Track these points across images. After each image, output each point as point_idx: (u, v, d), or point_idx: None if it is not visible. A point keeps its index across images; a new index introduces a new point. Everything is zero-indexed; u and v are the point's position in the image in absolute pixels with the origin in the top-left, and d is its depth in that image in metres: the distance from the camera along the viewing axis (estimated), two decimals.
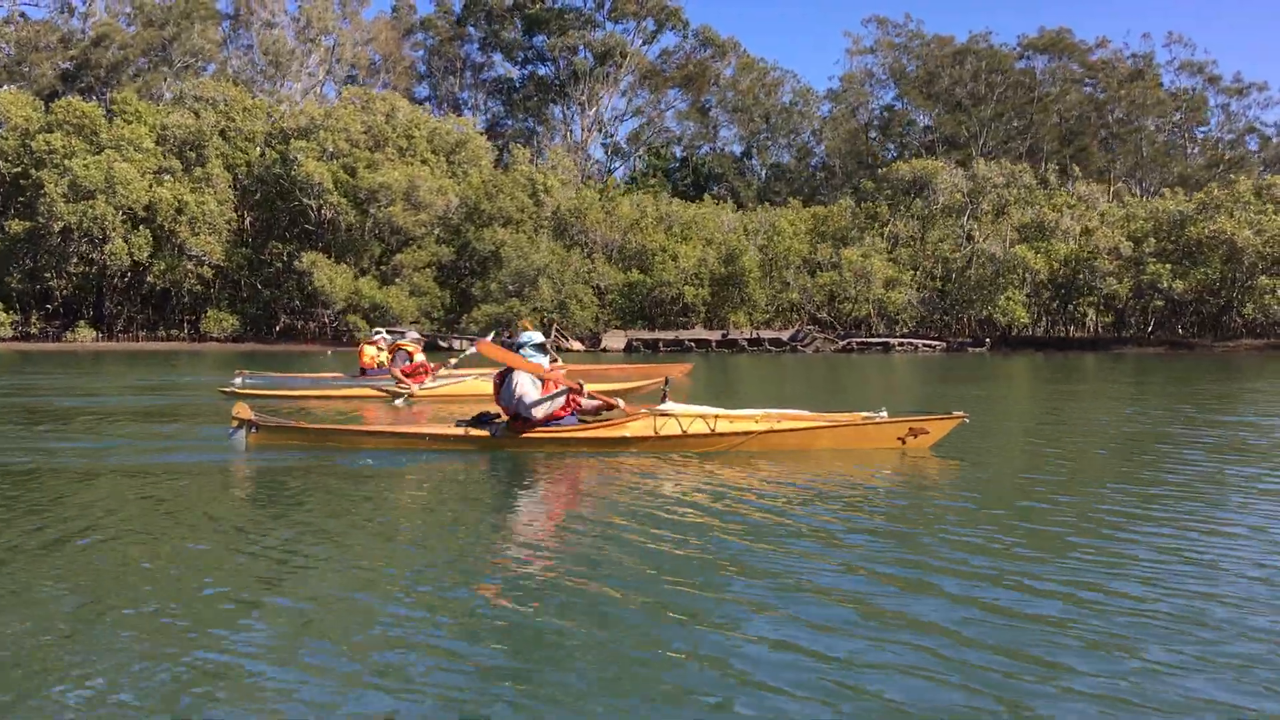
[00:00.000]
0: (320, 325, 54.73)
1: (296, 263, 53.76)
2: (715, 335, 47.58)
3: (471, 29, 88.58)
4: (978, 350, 46.73)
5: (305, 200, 55.08)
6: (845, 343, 47.26)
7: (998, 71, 73.21)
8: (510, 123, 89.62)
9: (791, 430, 7.62)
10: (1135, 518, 5.43)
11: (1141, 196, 62.81)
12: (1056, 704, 2.87)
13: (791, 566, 4.29)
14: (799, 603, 3.75)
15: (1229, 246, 46.47)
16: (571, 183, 63.85)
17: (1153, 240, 48.31)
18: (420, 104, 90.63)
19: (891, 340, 47.12)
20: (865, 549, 4.65)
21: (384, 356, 17.06)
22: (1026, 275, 48.85)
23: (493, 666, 3.09)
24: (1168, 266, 46.75)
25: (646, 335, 46.24)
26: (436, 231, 56.77)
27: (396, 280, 53.89)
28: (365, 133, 58.65)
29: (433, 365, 15.10)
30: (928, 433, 7.70)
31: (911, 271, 52.84)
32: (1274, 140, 73.77)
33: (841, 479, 6.70)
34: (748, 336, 46.54)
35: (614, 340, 47.77)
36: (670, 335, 47.11)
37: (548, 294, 50.35)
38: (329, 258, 54.58)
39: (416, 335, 16.58)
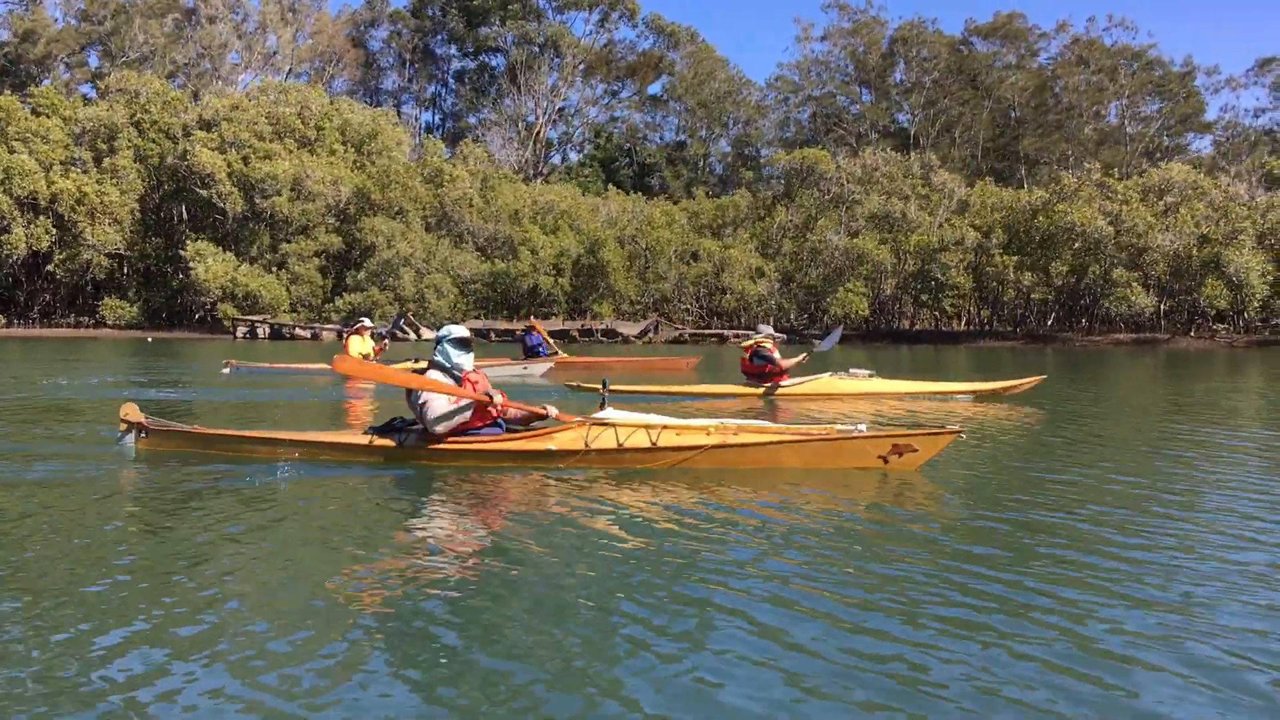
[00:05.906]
0: (201, 313, 56.09)
1: (182, 251, 55.29)
2: (565, 326, 47.55)
3: (439, 15, 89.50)
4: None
5: (200, 190, 56.54)
6: (679, 333, 46.77)
7: (933, 58, 71.17)
8: (474, 116, 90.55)
9: (749, 445, 6.68)
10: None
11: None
12: None
13: (735, 628, 3.40)
14: (742, 678, 2.96)
15: (1084, 239, 44.54)
16: (480, 174, 64.20)
17: (1000, 232, 46.54)
18: (381, 97, 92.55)
19: (726, 332, 46.43)
20: (836, 600, 3.72)
21: (369, 348, 15.59)
22: (875, 267, 47.62)
23: None
24: (1014, 258, 45.02)
25: (478, 325, 46.49)
26: (330, 221, 57.71)
27: (276, 270, 54.98)
28: (273, 125, 59.95)
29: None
30: (916, 450, 6.67)
31: (778, 262, 51.95)
32: (1218, 130, 70.27)
33: (809, 506, 5.56)
34: (579, 327, 46.41)
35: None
36: (511, 325, 47.23)
37: (409, 283, 50.96)
38: (222, 247, 55.96)
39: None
